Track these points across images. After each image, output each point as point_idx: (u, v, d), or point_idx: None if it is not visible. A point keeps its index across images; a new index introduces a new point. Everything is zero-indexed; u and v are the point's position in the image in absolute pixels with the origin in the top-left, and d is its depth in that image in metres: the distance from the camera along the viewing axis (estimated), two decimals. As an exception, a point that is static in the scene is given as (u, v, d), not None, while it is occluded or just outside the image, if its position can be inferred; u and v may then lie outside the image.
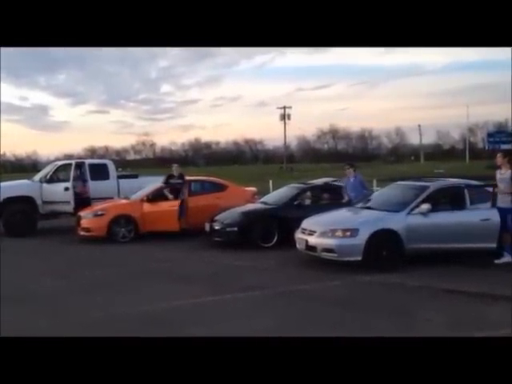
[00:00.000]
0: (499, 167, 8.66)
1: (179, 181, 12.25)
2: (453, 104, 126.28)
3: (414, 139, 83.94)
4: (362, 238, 7.99)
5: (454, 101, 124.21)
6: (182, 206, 11.83)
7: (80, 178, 13.91)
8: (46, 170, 14.26)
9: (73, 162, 14.48)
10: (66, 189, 13.32)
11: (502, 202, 8.38)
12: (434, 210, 8.31)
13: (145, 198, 12.13)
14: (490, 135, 53.41)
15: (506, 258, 8.30)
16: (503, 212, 8.35)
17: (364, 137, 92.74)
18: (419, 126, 77.35)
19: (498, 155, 8.82)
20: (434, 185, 8.93)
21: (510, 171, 8.44)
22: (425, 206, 8.28)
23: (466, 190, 8.64)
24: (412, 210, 8.31)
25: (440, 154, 78.58)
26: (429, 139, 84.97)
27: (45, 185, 13.44)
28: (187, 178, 12.72)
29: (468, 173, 24.16)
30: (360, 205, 9.36)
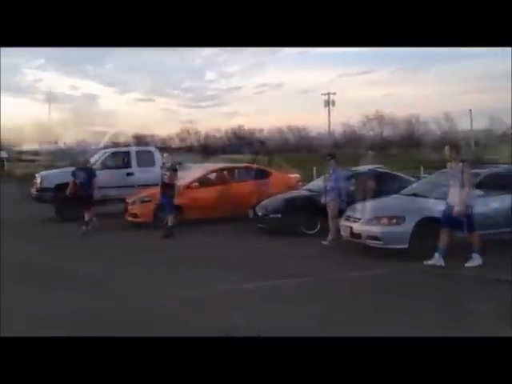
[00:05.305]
0: (449, 160, 7.66)
1: (167, 173, 11.02)
2: (506, 88, 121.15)
3: (464, 125, 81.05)
4: (408, 226, 7.84)
5: (506, 84, 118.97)
6: (168, 201, 10.91)
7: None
8: (96, 157, 14.68)
9: (132, 149, 15.11)
10: (129, 174, 13.84)
11: (452, 198, 7.50)
12: (484, 196, 8.04)
13: (190, 185, 12.31)
14: (546, 120, 50.97)
15: (476, 261, 7.40)
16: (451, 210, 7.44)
17: (411, 123, 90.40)
18: (470, 110, 74.32)
19: (446, 147, 7.69)
20: (484, 171, 8.63)
21: (460, 164, 7.47)
22: (475, 193, 8.02)
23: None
24: (461, 197, 8.05)
25: (492, 139, 75.57)
26: (480, 125, 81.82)
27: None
28: (232, 165, 12.76)
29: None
30: (406, 192, 9.17)
